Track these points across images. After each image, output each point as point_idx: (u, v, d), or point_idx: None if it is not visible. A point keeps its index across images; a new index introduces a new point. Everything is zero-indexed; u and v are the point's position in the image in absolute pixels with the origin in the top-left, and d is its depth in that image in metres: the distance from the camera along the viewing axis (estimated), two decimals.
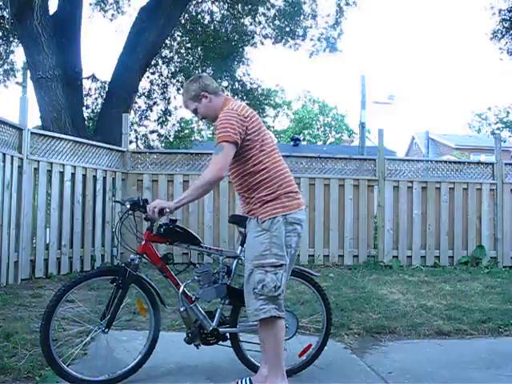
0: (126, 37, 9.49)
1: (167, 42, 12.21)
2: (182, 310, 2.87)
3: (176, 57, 13.34)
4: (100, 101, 12.36)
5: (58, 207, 6.15)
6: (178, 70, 13.34)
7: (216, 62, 12.30)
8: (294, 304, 4.51)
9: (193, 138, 18.19)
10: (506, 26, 12.19)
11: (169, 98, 13.78)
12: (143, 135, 14.27)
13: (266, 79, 43.98)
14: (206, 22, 12.66)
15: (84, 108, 11.14)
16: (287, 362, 3.05)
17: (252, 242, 2.74)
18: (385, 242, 7.48)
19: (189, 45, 13.10)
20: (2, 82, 12.89)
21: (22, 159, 5.64)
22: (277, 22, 12.60)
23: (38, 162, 5.91)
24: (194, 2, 12.07)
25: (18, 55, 23.04)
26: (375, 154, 7.74)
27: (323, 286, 3.33)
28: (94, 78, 12.51)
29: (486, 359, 3.48)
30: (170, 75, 13.45)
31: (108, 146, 7.01)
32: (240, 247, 2.98)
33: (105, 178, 6.84)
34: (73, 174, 6.35)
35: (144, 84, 12.94)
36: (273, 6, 12.36)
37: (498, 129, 28.01)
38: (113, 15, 12.50)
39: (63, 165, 6.23)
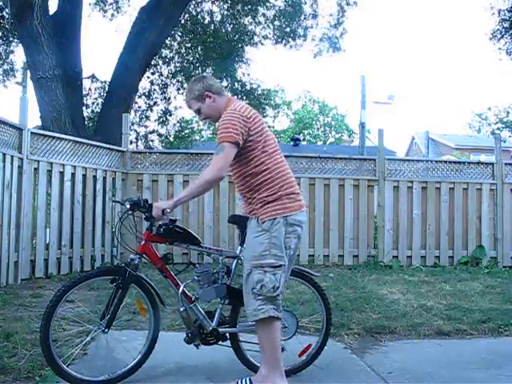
0: (126, 37, 9.50)
1: (167, 42, 12.21)
2: (181, 309, 2.87)
3: (176, 57, 13.34)
4: (100, 101, 12.36)
5: (58, 207, 6.15)
6: (178, 69, 13.34)
7: (216, 62, 12.30)
8: (294, 304, 4.51)
9: (193, 138, 18.15)
10: (505, 26, 12.19)
11: (169, 98, 13.78)
12: (143, 135, 14.27)
13: (266, 79, 43.99)
14: (206, 22, 12.65)
15: (84, 108, 11.15)
16: (287, 362, 3.05)
17: (252, 242, 2.74)
18: (385, 242, 7.48)
19: (189, 45, 13.10)
20: (1, 81, 12.90)
21: (21, 159, 5.64)
22: (277, 23, 12.60)
23: (38, 162, 5.91)
24: (194, 2, 12.06)
25: (18, 55, 23.06)
26: (375, 154, 7.74)
27: (323, 286, 3.33)
28: (94, 77, 12.52)
29: (486, 359, 3.48)
30: (170, 75, 13.46)
31: (108, 146, 7.02)
32: (240, 247, 2.97)
33: (105, 178, 6.84)
34: (73, 174, 6.35)
35: (144, 84, 12.95)
36: (273, 6, 12.36)
37: (498, 129, 28.02)
38: (112, 15, 12.51)
39: (63, 165, 6.23)
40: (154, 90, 13.58)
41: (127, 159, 7.21)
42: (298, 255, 7.26)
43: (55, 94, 7.97)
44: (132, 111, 12.31)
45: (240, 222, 2.95)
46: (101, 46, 51.88)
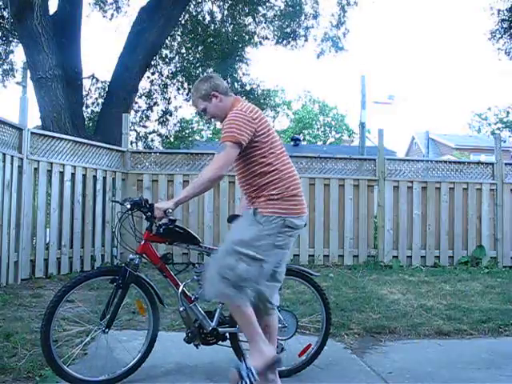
0: (126, 37, 9.49)
1: (167, 42, 12.20)
2: (181, 309, 2.87)
3: (176, 57, 13.33)
4: (100, 101, 12.36)
5: (58, 207, 6.15)
6: (178, 70, 13.34)
7: (216, 62, 12.30)
8: (294, 304, 4.51)
9: (193, 138, 18.15)
10: (504, 26, 12.18)
11: (169, 98, 13.78)
12: (143, 135, 14.27)
13: (266, 79, 43.92)
14: (206, 22, 12.64)
15: (84, 108, 11.14)
16: (287, 362, 3.06)
17: (242, 227, 2.73)
18: (385, 242, 7.48)
19: (189, 45, 13.09)
20: (1, 81, 12.89)
21: (21, 159, 5.64)
22: (277, 23, 12.58)
23: (38, 162, 5.91)
24: (194, 2, 12.06)
25: (18, 55, 23.05)
26: (375, 154, 7.74)
27: (323, 285, 3.33)
28: (93, 78, 12.52)
29: (486, 359, 3.48)
30: (170, 75, 13.45)
31: (108, 146, 7.02)
32: None
33: (105, 178, 6.84)
34: (73, 174, 6.35)
35: (144, 84, 12.95)
36: (273, 6, 12.35)
37: (498, 129, 28.02)
38: (112, 15, 12.49)
39: (63, 165, 6.23)
40: (155, 90, 13.58)
41: (127, 159, 7.21)
42: (298, 255, 7.27)
43: (55, 94, 7.96)
44: (132, 111, 12.31)
45: None
46: (101, 46, 51.89)
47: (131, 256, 2.84)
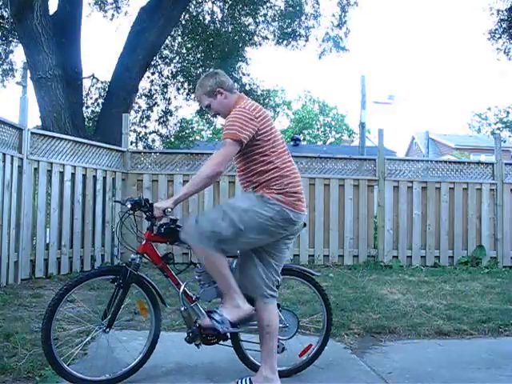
0: (126, 37, 9.49)
1: (168, 42, 12.20)
2: (182, 309, 2.87)
3: (176, 57, 13.32)
4: (100, 101, 12.36)
5: (58, 207, 6.15)
6: (178, 70, 13.33)
7: (216, 62, 12.28)
8: (295, 304, 4.52)
9: (193, 138, 18.13)
10: (503, 26, 12.18)
11: (169, 98, 13.77)
12: (144, 135, 14.26)
13: (266, 79, 43.93)
14: (206, 22, 12.64)
15: (84, 108, 11.14)
16: (288, 362, 3.06)
17: (238, 196, 2.81)
18: (385, 241, 7.48)
19: (189, 45, 13.09)
20: (1, 81, 12.88)
21: (21, 159, 5.63)
22: (278, 23, 12.58)
23: (38, 161, 5.91)
24: (194, 2, 12.06)
25: (18, 55, 23.04)
26: (375, 154, 7.74)
27: (323, 285, 3.32)
28: (94, 78, 12.52)
29: (486, 359, 3.48)
30: (170, 75, 13.45)
31: (108, 146, 7.02)
32: None
33: (105, 178, 6.84)
34: (73, 174, 6.35)
35: (144, 84, 12.94)
36: (273, 6, 12.34)
37: (498, 129, 28.04)
38: (113, 15, 12.49)
39: (63, 165, 6.23)
40: (156, 90, 13.58)
41: (127, 159, 7.21)
42: (298, 255, 7.27)
43: (55, 94, 7.96)
44: (132, 111, 12.31)
45: None
46: (101, 46, 51.89)
47: (132, 256, 2.84)
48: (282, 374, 2.87)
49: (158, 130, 14.39)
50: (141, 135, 14.17)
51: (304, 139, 40.85)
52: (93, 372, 2.84)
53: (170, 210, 2.70)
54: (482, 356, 3.54)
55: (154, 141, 14.61)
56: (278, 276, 2.86)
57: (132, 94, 9.58)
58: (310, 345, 3.15)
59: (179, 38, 12.98)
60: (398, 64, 74.91)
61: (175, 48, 13.25)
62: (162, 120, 13.99)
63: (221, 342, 2.94)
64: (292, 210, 2.73)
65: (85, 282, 2.80)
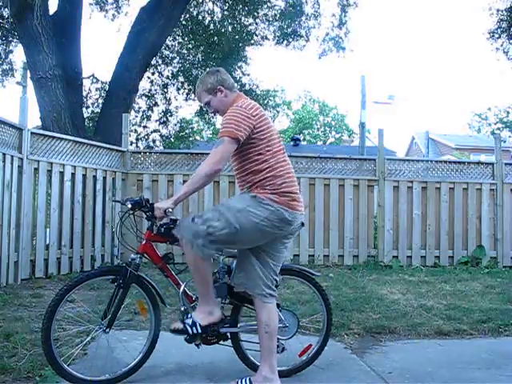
0: (126, 37, 9.49)
1: (168, 42, 12.19)
2: (182, 309, 2.87)
3: (176, 57, 13.32)
4: (100, 101, 12.35)
5: (58, 207, 6.15)
6: (178, 70, 13.33)
7: (216, 63, 12.28)
8: (294, 304, 4.52)
9: (193, 138, 18.12)
10: (503, 26, 12.18)
11: (169, 99, 13.77)
12: (144, 136, 14.26)
13: (265, 79, 44.10)
14: (206, 22, 12.64)
15: (84, 108, 11.13)
16: (288, 362, 3.06)
17: (236, 198, 2.90)
18: (385, 241, 7.49)
19: (189, 45, 13.09)
20: (1, 81, 12.87)
21: (21, 159, 5.64)
22: (278, 23, 12.57)
23: (38, 162, 5.91)
24: (194, 3, 12.06)
25: (18, 55, 23.05)
26: (375, 154, 7.74)
27: (323, 285, 3.32)
28: (94, 78, 12.50)
29: (486, 359, 3.48)
30: (170, 75, 13.45)
31: (108, 146, 7.02)
32: None
33: (105, 178, 6.84)
34: (73, 174, 6.35)
35: (144, 84, 12.94)
36: (273, 6, 12.33)
37: (498, 129, 28.02)
38: (114, 15, 12.49)
39: (63, 165, 6.23)
40: (156, 90, 13.57)
41: (127, 159, 7.21)
42: (298, 255, 7.27)
43: (55, 94, 7.96)
44: (132, 112, 12.30)
45: None
46: (101, 46, 51.89)
47: (132, 256, 2.84)
48: (281, 374, 2.87)
49: (159, 130, 14.39)
50: (141, 135, 14.16)
51: (304, 139, 40.84)
52: (93, 372, 2.84)
53: (170, 210, 2.70)
54: (481, 356, 3.54)
55: (154, 141, 14.60)
56: (277, 275, 2.86)
57: (132, 94, 9.58)
58: (310, 345, 3.15)
59: (179, 38, 12.97)
60: (398, 64, 75.00)
61: (175, 48, 13.24)
62: (162, 120, 13.99)
63: (221, 342, 2.94)
64: (287, 210, 2.73)
65: (85, 282, 2.80)
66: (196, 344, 2.92)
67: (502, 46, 12.52)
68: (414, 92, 67.63)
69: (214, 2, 12.53)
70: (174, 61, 13.35)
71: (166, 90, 13.60)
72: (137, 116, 13.63)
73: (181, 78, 13.35)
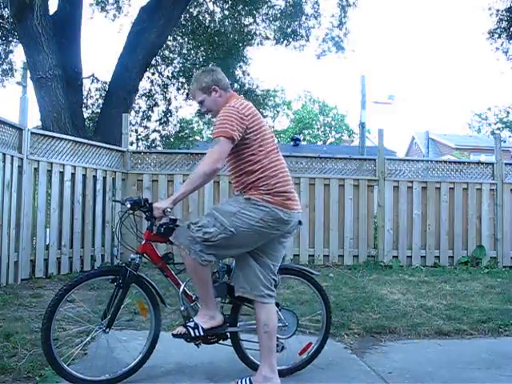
0: (126, 37, 9.49)
1: (168, 42, 12.19)
2: (182, 309, 2.88)
3: (176, 57, 13.32)
4: (100, 101, 12.35)
5: (58, 207, 6.15)
6: (178, 70, 13.33)
7: (216, 62, 12.29)
8: (294, 303, 4.51)
9: (193, 138, 18.12)
10: (503, 26, 12.19)
11: (169, 99, 13.77)
12: (144, 136, 14.26)
13: (265, 79, 44.05)
14: (206, 22, 12.65)
15: (84, 108, 11.13)
16: (288, 361, 3.06)
17: (228, 202, 2.87)
18: (385, 241, 7.48)
19: (189, 45, 13.09)
20: (1, 81, 12.87)
21: (22, 159, 5.64)
22: (278, 23, 12.58)
23: (38, 162, 5.91)
24: (194, 3, 12.06)
25: (18, 55, 23.03)
26: (375, 154, 7.74)
27: (323, 285, 3.32)
28: (94, 78, 12.51)
29: (486, 359, 3.48)
30: (170, 76, 13.45)
31: (108, 146, 7.02)
32: None
33: (105, 178, 6.84)
34: (73, 174, 6.35)
35: (144, 84, 12.94)
36: (273, 6, 12.33)
37: (498, 129, 28.03)
38: (115, 16, 12.49)
39: (63, 165, 6.23)
40: (156, 90, 13.58)
41: (127, 159, 7.21)
42: (298, 255, 7.27)
43: (55, 94, 7.96)
44: (132, 112, 12.30)
45: None
46: (101, 46, 51.87)
47: (132, 256, 2.84)
48: (282, 373, 2.88)
49: (159, 130, 14.39)
50: (141, 135, 14.17)
51: (304, 139, 40.85)
52: (93, 372, 2.84)
53: (169, 210, 2.70)
54: (482, 356, 3.54)
55: (154, 141, 14.60)
56: (275, 275, 2.86)
57: (132, 94, 9.58)
58: (310, 343, 3.15)
59: (179, 38, 12.98)
60: (398, 64, 74.98)
61: (175, 48, 13.25)
62: (162, 120, 14.00)
63: (221, 342, 2.94)
64: (282, 210, 2.73)
65: (85, 282, 2.80)
66: (196, 343, 2.92)
67: (501, 45, 12.54)
68: (414, 92, 67.70)
69: (214, 2, 12.53)
70: (175, 61, 13.36)
71: (166, 90, 13.61)
72: (137, 116, 13.63)
73: (181, 78, 13.35)
